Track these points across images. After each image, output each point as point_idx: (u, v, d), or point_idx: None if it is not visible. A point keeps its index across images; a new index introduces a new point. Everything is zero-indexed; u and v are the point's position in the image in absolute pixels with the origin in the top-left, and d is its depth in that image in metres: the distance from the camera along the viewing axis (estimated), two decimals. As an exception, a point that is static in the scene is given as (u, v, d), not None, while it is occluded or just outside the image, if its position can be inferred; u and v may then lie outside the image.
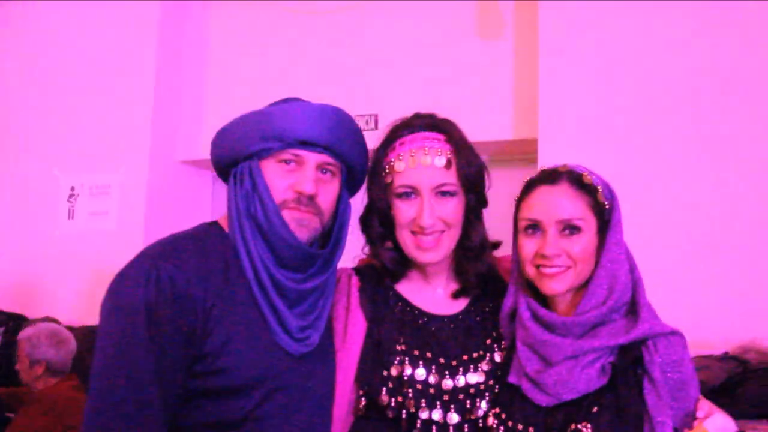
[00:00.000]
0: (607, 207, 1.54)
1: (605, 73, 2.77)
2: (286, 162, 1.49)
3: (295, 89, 3.52)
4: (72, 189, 3.71)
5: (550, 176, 1.57)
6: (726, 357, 1.86)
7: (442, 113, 2.38)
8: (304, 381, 1.51)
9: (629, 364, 1.45)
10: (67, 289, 3.60)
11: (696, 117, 2.63)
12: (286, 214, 1.47)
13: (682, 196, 2.55)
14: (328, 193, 1.53)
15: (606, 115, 2.73)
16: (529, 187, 1.60)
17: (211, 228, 1.54)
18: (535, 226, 1.55)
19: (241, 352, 1.41)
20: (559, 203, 1.52)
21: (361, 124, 3.34)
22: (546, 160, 2.70)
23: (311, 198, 1.48)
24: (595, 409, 1.43)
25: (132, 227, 3.54)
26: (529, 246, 1.56)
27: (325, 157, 1.51)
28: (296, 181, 1.48)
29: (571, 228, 1.51)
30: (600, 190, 1.54)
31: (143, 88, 3.59)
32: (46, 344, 3.12)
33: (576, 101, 2.78)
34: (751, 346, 1.93)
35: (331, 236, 1.57)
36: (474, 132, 2.94)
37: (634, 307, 1.51)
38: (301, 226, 1.48)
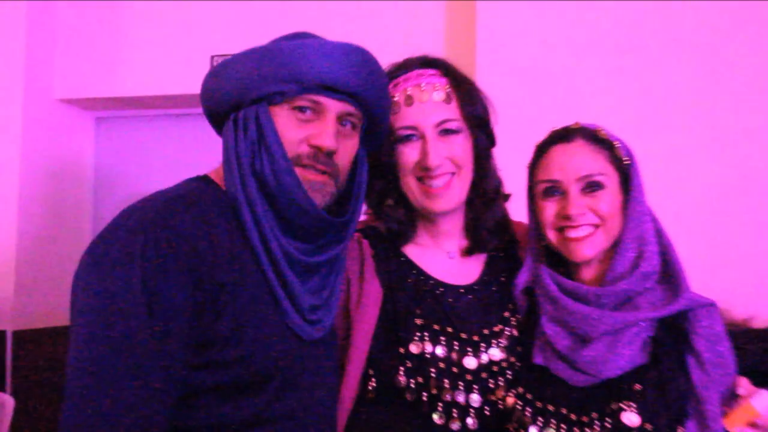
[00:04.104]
0: (626, 162, 1.43)
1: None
2: (302, 110, 1.23)
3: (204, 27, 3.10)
4: None
5: (563, 134, 1.45)
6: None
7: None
8: (316, 371, 1.29)
9: (671, 338, 1.35)
10: None
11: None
12: (300, 173, 1.22)
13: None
14: (347, 150, 1.29)
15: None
16: (542, 148, 1.47)
17: (203, 185, 1.26)
18: (554, 189, 1.42)
19: (256, 338, 1.17)
20: (577, 160, 1.41)
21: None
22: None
23: (329, 155, 1.24)
24: (637, 387, 1.33)
25: (3, 175, 3.03)
26: (549, 208, 1.43)
27: (347, 106, 1.26)
28: (313, 133, 1.23)
29: (593, 185, 1.40)
30: (617, 145, 1.43)
31: (13, 13, 3.05)
32: None
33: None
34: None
35: (344, 202, 1.33)
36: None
37: (667, 274, 1.41)
38: (315, 190, 1.23)
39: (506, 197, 1.58)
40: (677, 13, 2.50)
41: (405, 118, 1.44)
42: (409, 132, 1.44)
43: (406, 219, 1.50)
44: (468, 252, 1.55)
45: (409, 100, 1.44)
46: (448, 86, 1.46)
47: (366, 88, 1.26)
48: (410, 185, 1.47)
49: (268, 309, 1.20)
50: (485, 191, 1.53)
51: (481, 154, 1.50)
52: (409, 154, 1.45)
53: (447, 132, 1.45)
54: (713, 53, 2.46)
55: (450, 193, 1.46)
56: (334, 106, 1.24)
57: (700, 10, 2.47)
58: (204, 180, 1.27)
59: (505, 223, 1.59)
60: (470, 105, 1.47)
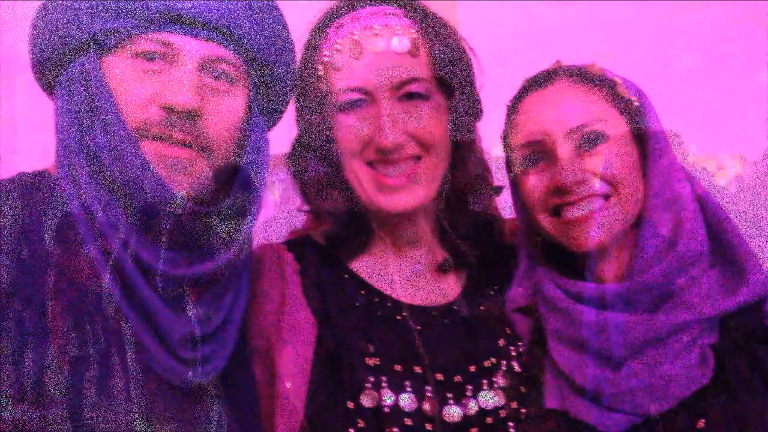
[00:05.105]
0: (635, 103, 1.01)
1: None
2: (147, 56, 0.86)
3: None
4: None
5: (542, 77, 1.05)
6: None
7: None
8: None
9: (741, 344, 0.91)
10: None
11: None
12: (149, 149, 0.85)
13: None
14: (222, 112, 0.90)
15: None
16: (516, 102, 1.06)
17: (31, 177, 0.91)
18: (536, 153, 1.01)
19: (85, 387, 0.79)
20: (561, 107, 1.00)
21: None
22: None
23: (191, 118, 0.86)
24: (701, 425, 0.89)
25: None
26: (533, 181, 1.01)
27: (217, 49, 0.88)
28: (164, 89, 0.85)
29: (590, 137, 0.98)
30: (620, 83, 1.02)
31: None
32: None
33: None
34: None
35: (234, 187, 0.94)
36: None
37: (723, 254, 0.98)
38: (175, 169, 0.86)
39: (496, 190, 1.15)
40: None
41: (350, 75, 1.04)
42: (355, 96, 1.04)
43: (352, 221, 1.08)
44: (443, 268, 1.12)
45: (357, 49, 1.03)
46: (414, 31, 1.05)
47: (244, 24, 0.88)
48: (357, 173, 1.05)
49: (114, 344, 0.82)
50: (465, 182, 1.10)
51: (460, 129, 1.09)
52: (356, 129, 1.04)
53: (411, 96, 1.04)
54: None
55: (413, 185, 1.04)
56: (193, 48, 0.87)
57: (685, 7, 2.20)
58: (41, 174, 0.92)
59: (493, 224, 1.16)
60: (446, 59, 1.06)
